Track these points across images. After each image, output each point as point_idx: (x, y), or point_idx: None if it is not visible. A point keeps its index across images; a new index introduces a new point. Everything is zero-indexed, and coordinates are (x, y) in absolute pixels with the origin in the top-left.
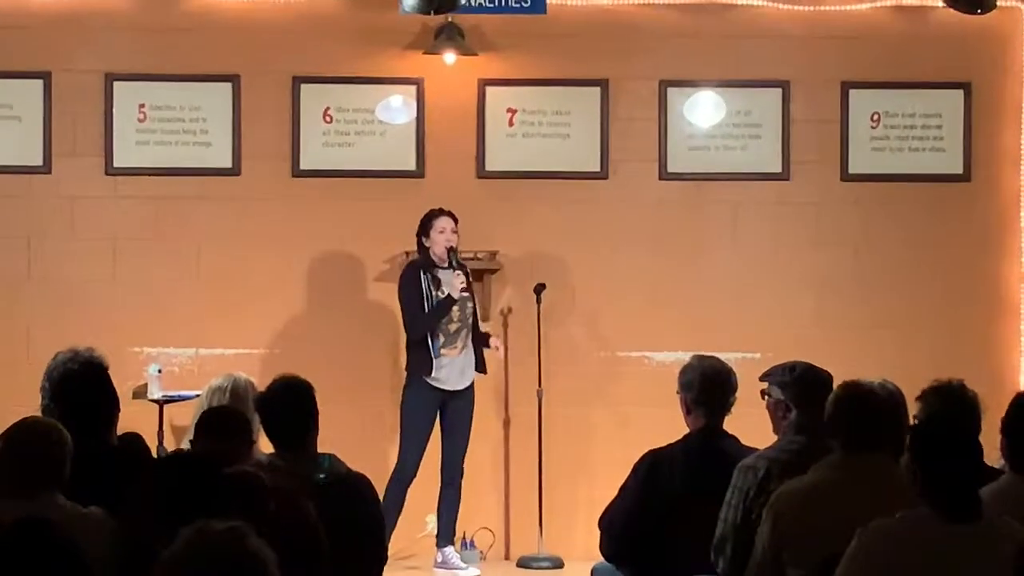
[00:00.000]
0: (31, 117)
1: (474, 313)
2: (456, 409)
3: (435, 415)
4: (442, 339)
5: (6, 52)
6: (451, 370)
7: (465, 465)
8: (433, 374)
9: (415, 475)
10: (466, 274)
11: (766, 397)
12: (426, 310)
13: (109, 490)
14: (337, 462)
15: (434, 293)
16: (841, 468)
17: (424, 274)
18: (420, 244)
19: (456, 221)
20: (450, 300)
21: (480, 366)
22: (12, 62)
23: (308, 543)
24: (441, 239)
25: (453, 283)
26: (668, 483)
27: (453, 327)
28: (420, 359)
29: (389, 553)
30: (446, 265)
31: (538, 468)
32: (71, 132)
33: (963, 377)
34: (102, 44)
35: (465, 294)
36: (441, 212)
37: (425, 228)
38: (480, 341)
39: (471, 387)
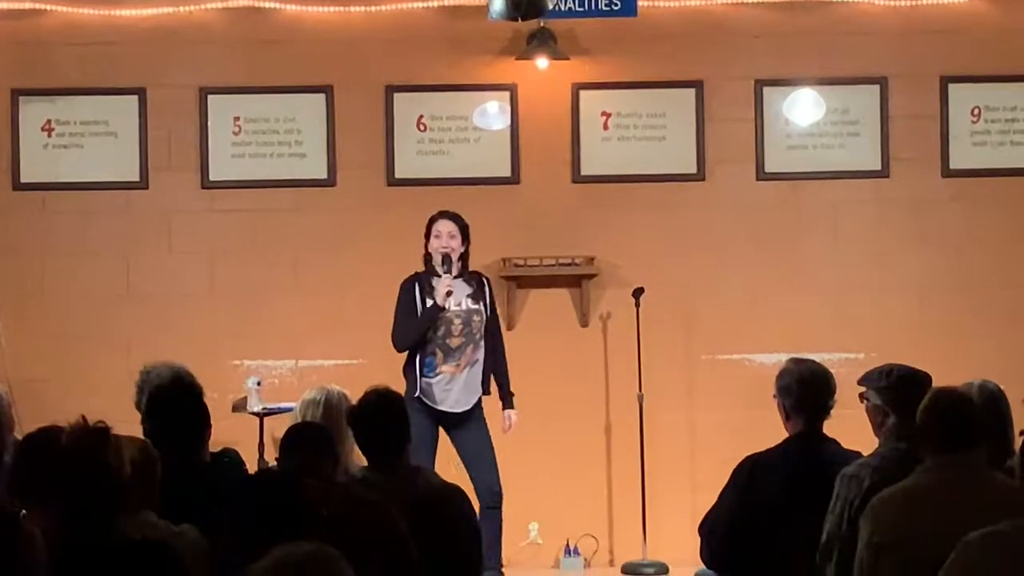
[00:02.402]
0: (127, 133)
1: (488, 329)
2: (463, 434)
3: (430, 436)
4: (440, 355)
5: (101, 69)
6: (452, 389)
7: (502, 487)
8: (428, 393)
9: None
10: (479, 285)
11: (864, 401)
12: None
13: (202, 507)
14: (431, 475)
15: (427, 302)
16: (935, 471)
17: (419, 282)
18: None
19: (460, 224)
20: (435, 308)
21: (484, 387)
22: (107, 79)
23: (400, 557)
24: (437, 244)
25: (438, 290)
26: (768, 489)
27: (455, 342)
28: (410, 376)
29: None
30: (443, 272)
31: (640, 473)
32: (167, 147)
33: None
34: (196, 58)
35: (458, 306)
36: (442, 215)
37: (426, 232)
38: (504, 394)
39: (477, 406)
